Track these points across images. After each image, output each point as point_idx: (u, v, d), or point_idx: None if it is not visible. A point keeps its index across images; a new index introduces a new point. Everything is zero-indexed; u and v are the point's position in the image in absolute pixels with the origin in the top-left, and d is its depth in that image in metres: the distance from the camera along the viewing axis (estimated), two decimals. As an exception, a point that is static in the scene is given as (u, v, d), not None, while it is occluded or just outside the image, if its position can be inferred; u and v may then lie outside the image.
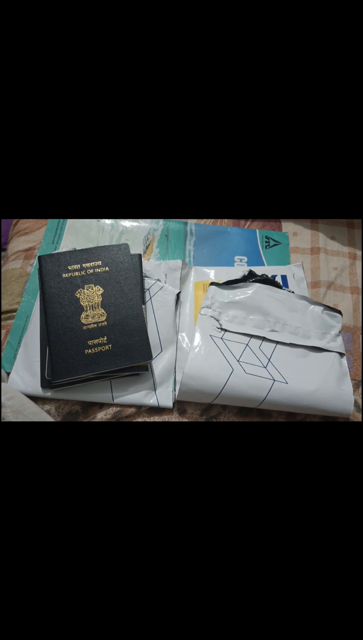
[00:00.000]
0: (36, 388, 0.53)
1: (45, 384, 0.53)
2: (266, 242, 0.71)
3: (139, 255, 0.62)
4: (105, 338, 0.53)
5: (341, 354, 0.56)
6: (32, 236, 0.72)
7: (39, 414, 0.49)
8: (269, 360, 0.53)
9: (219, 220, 0.74)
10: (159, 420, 0.52)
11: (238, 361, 0.52)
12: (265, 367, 0.52)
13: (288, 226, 0.75)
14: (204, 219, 0.74)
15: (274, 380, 0.51)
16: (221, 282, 0.61)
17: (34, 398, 0.53)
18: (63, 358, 0.51)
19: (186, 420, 0.52)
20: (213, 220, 0.74)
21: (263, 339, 0.56)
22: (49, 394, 0.53)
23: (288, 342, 0.56)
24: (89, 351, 0.52)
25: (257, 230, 0.72)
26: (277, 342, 0.56)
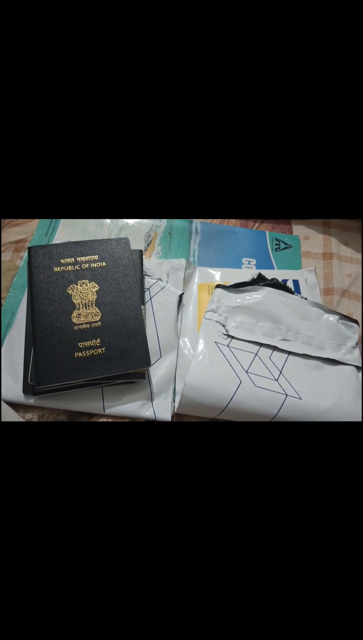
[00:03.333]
0: (18, 394, 0.47)
1: (28, 389, 0.47)
2: (276, 244, 0.66)
3: (140, 251, 0.56)
4: (98, 340, 0.47)
5: (358, 368, 0.51)
6: (24, 227, 0.66)
7: (19, 424, 0.44)
8: (280, 373, 0.48)
9: (226, 219, 0.69)
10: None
11: (246, 372, 0.47)
12: (277, 380, 0.47)
13: (299, 229, 0.70)
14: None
15: (286, 395, 0.45)
16: (228, 284, 0.56)
17: (15, 405, 0.47)
18: (50, 361, 0.45)
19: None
20: (219, 219, 0.69)
21: (274, 348, 0.51)
22: (32, 401, 0.47)
23: (301, 352, 0.50)
24: (80, 354, 0.46)
25: (267, 232, 0.68)
26: (289, 353, 0.51)
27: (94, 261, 0.52)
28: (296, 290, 0.59)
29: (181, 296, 0.56)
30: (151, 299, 0.55)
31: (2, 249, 0.65)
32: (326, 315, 0.55)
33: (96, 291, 0.50)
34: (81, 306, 0.49)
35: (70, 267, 0.51)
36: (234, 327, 0.52)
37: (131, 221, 0.66)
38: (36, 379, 0.45)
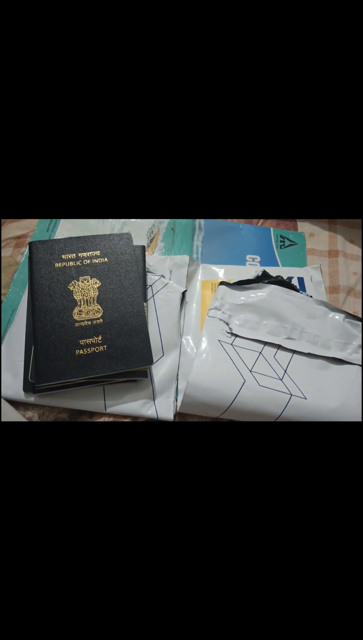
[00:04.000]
0: (18, 391, 0.46)
1: (28, 387, 0.46)
2: (281, 241, 0.65)
3: (143, 247, 0.55)
4: (100, 337, 0.47)
5: (363, 368, 0.50)
6: (25, 223, 0.65)
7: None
8: (285, 372, 0.47)
9: (230, 215, 0.68)
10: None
11: (250, 371, 0.46)
12: (281, 380, 0.46)
13: (304, 226, 0.69)
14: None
15: (291, 394, 0.45)
16: (232, 281, 0.55)
17: (15, 403, 0.46)
18: (50, 358, 0.44)
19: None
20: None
21: (279, 347, 0.50)
22: (32, 399, 0.46)
23: (307, 351, 0.49)
24: (81, 352, 0.45)
25: (271, 229, 0.67)
26: (294, 352, 0.50)
27: (96, 257, 0.52)
28: (302, 288, 0.58)
29: (184, 293, 0.56)
30: (153, 296, 0.54)
31: (3, 244, 0.64)
32: (332, 314, 0.54)
33: (98, 287, 0.50)
34: (82, 303, 0.48)
35: (71, 263, 0.51)
36: (238, 325, 0.51)
37: (133, 217, 0.65)
38: (36, 376, 0.44)
